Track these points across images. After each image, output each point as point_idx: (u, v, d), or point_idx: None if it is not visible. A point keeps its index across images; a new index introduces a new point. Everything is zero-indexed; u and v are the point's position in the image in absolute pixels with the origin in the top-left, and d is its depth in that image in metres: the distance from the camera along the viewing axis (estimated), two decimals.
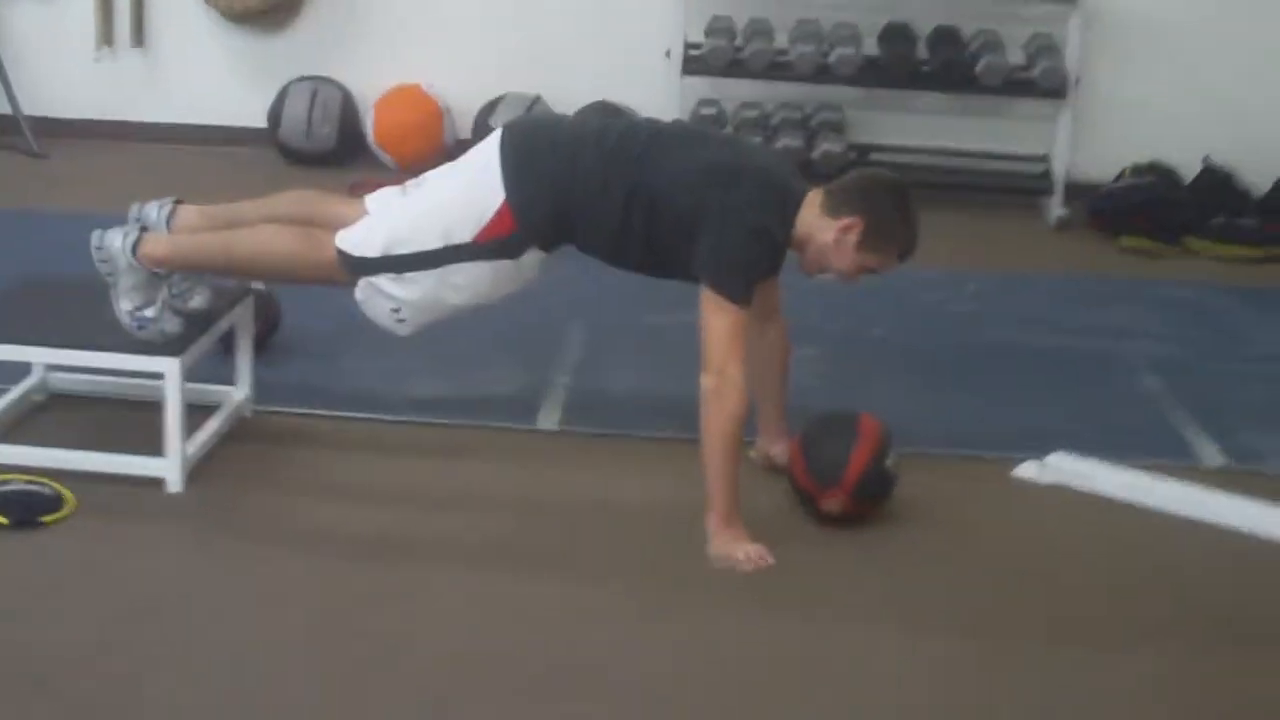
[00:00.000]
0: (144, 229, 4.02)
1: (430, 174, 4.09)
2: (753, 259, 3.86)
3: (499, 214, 3.87)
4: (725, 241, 3.81)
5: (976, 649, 3.42)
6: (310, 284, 4.12)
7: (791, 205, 3.90)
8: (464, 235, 3.89)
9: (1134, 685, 3.32)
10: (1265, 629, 3.60)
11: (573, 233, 3.98)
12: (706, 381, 3.80)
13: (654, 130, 4.07)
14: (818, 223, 3.88)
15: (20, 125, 7.38)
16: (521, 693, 3.17)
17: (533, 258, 3.97)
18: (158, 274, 3.95)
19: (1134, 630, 3.55)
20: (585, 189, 3.90)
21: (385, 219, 3.99)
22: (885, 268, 3.96)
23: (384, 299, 3.97)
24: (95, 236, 3.98)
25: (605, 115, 4.11)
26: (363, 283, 3.96)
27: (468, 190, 3.95)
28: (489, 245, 3.90)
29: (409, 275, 3.92)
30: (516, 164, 3.91)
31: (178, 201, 4.16)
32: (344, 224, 4.01)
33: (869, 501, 3.93)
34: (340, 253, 3.96)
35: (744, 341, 3.85)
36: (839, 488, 3.87)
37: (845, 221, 3.85)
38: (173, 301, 4.00)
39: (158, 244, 3.98)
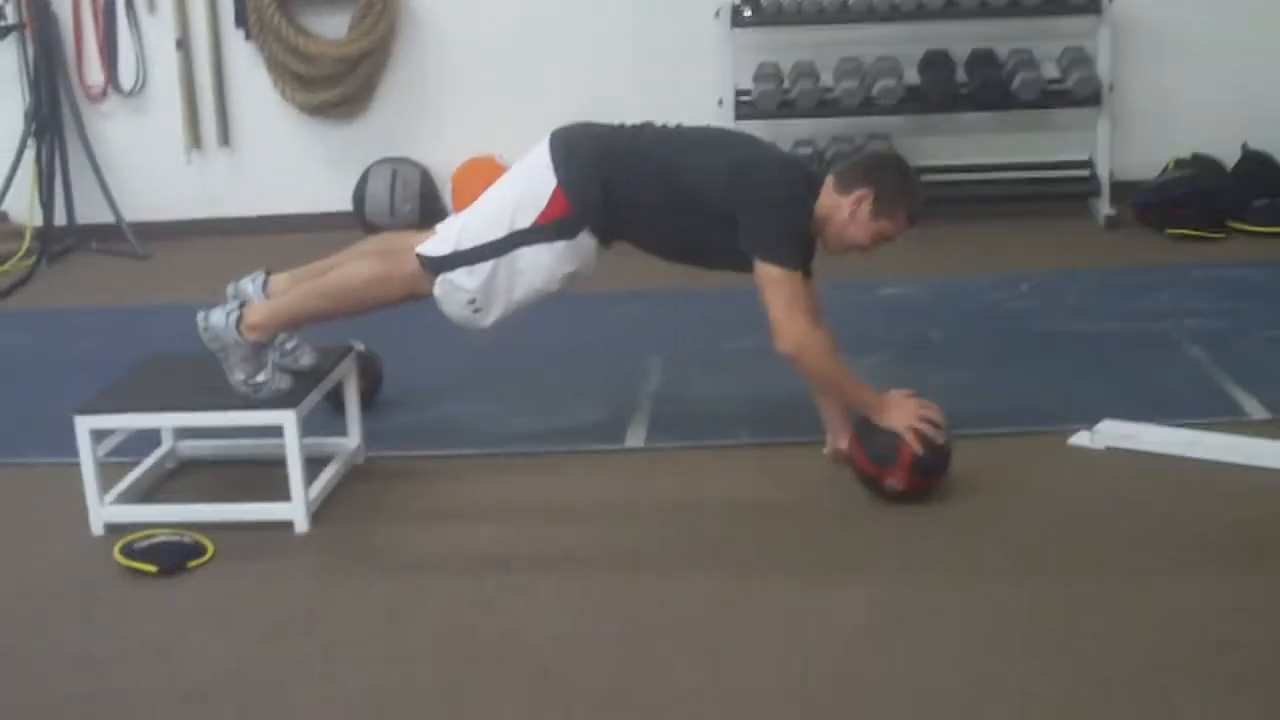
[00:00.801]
0: (243, 304, 4.39)
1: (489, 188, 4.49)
2: (796, 225, 4.29)
3: (554, 197, 4.28)
4: (767, 217, 4.25)
5: (1030, 589, 3.72)
6: (400, 302, 4.46)
7: (813, 188, 4.33)
8: (525, 221, 4.29)
9: (1180, 607, 3.59)
10: None
11: (619, 216, 4.36)
12: (783, 348, 4.24)
13: (687, 131, 4.52)
14: (832, 201, 4.30)
15: (123, 230, 7.82)
16: (627, 663, 3.49)
17: (587, 240, 4.35)
18: (261, 344, 4.32)
19: (1183, 560, 3.82)
20: (628, 174, 4.33)
21: (455, 223, 4.40)
22: (898, 231, 4.36)
23: (459, 292, 4.33)
24: (200, 318, 4.35)
25: (645, 123, 4.54)
26: (440, 279, 4.33)
27: (525, 185, 4.35)
28: (548, 227, 4.29)
29: (479, 266, 4.30)
30: (565, 153, 4.33)
31: (268, 272, 4.54)
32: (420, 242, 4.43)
33: (928, 475, 4.22)
34: (419, 257, 4.35)
35: (803, 299, 4.27)
36: (897, 466, 4.18)
37: (857, 194, 4.27)
38: (282, 362, 4.36)
39: (257, 313, 4.35)
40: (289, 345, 4.40)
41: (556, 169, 4.31)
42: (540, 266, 4.34)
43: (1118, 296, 6.15)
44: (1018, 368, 5.34)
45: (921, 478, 4.22)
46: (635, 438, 4.84)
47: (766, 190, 4.28)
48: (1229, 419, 4.69)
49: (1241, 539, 3.93)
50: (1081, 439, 4.58)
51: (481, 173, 7.59)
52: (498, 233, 4.31)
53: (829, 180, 4.36)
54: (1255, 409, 4.76)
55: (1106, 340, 5.55)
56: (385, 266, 4.43)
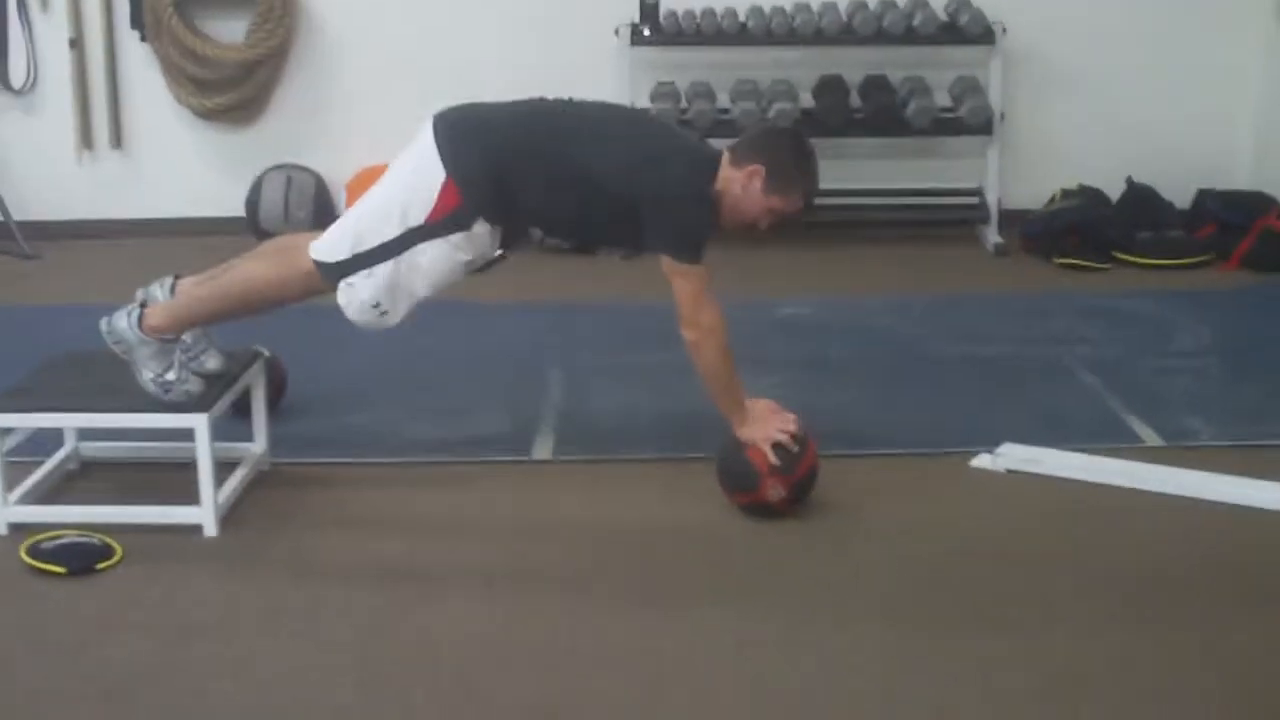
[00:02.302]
0: (144, 305, 4.38)
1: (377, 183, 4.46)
2: (700, 222, 4.31)
3: (444, 190, 4.25)
4: (671, 214, 4.27)
5: (917, 629, 3.74)
6: (300, 299, 4.44)
7: (711, 170, 4.33)
8: (418, 217, 4.26)
9: (1073, 644, 3.63)
10: (1206, 580, 3.95)
11: (514, 203, 4.35)
12: (688, 334, 4.31)
13: (584, 113, 4.49)
14: (728, 175, 4.31)
15: (11, 229, 7.68)
16: (545, 676, 3.51)
17: (482, 229, 4.32)
18: (167, 340, 4.30)
19: (1081, 593, 3.88)
20: (520, 159, 4.31)
21: (348, 223, 4.36)
22: (792, 209, 4.39)
23: (362, 297, 4.30)
24: (103, 322, 4.35)
25: (535, 100, 4.54)
26: (342, 286, 4.31)
27: (413, 177, 4.31)
28: (442, 222, 4.27)
29: (378, 269, 4.27)
30: (451, 141, 4.30)
31: (177, 277, 4.52)
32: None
33: (794, 470, 4.26)
34: (316, 263, 4.32)
35: (709, 287, 4.29)
36: (764, 477, 4.24)
37: (749, 168, 4.29)
38: (189, 365, 4.35)
39: (158, 312, 4.35)
40: (196, 348, 4.39)
41: (444, 159, 4.27)
42: (439, 260, 4.32)
43: (1010, 322, 6.26)
44: (916, 389, 5.42)
45: (791, 474, 4.26)
46: (542, 449, 4.87)
47: (670, 187, 4.28)
48: (1125, 444, 4.81)
49: (1145, 573, 4.00)
50: (983, 461, 4.66)
51: (374, 181, 7.53)
52: (392, 231, 4.27)
53: (725, 154, 4.37)
54: (1150, 436, 4.88)
55: (1002, 365, 5.65)
56: (282, 266, 4.41)
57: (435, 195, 4.25)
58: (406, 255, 4.28)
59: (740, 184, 4.31)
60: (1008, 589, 3.90)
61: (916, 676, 3.47)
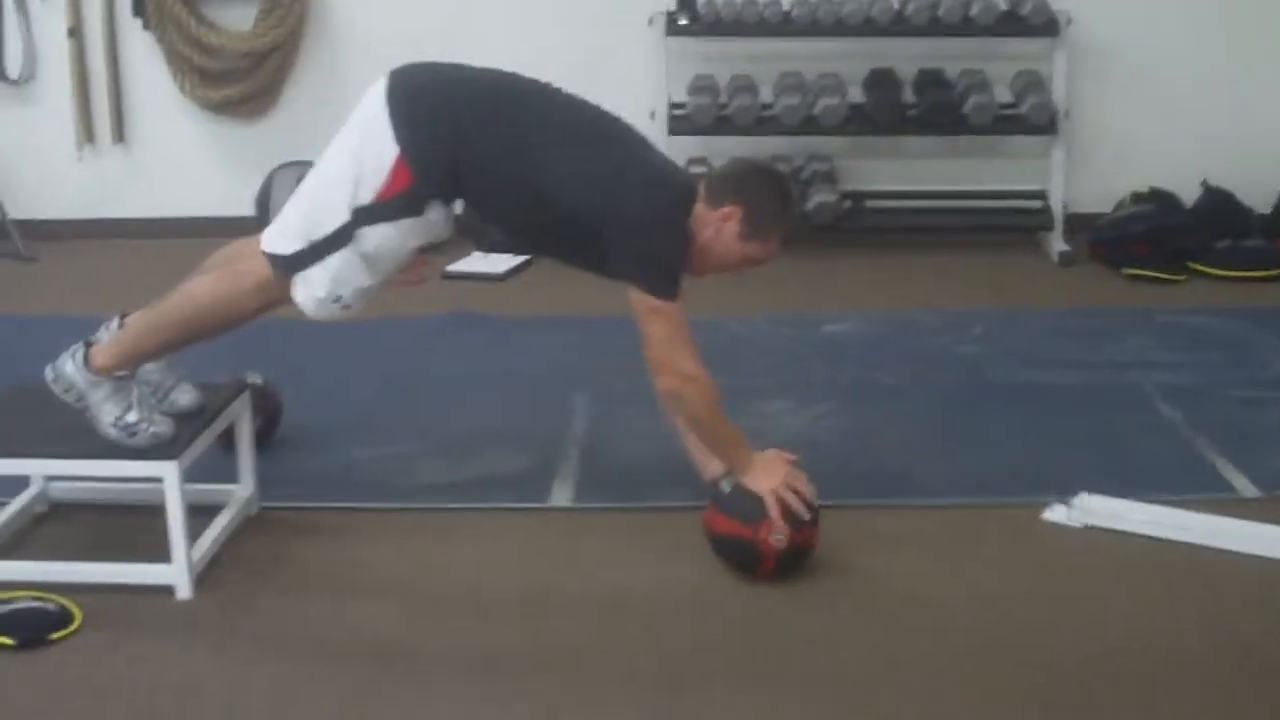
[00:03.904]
0: (89, 343, 3.92)
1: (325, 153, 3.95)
2: (672, 252, 3.84)
3: (396, 168, 3.74)
4: (640, 244, 3.80)
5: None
6: (255, 315, 3.94)
7: (686, 201, 3.88)
8: (367, 196, 3.76)
9: None
10: None
11: (469, 196, 3.92)
12: (664, 383, 3.87)
13: (552, 110, 3.97)
14: (699, 214, 3.86)
15: (7, 229, 7.32)
16: None
17: (437, 213, 3.87)
18: (121, 378, 3.85)
19: (1177, 682, 3.39)
20: (477, 157, 3.82)
21: (298, 205, 3.87)
22: (768, 255, 3.95)
23: (319, 292, 3.81)
24: (48, 372, 3.92)
25: (507, 74, 4.01)
26: (297, 280, 3.81)
27: (361, 147, 3.80)
28: (391, 203, 3.77)
29: (330, 259, 3.78)
30: (407, 113, 3.79)
31: (123, 314, 4.03)
32: None
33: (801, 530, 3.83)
34: (269, 256, 3.83)
35: (686, 328, 3.85)
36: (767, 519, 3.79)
37: (724, 210, 3.84)
38: (160, 406, 3.92)
39: (104, 350, 3.89)
40: (164, 385, 3.97)
41: (397, 130, 3.75)
42: (389, 246, 3.84)
43: (1078, 342, 5.75)
44: (977, 423, 4.92)
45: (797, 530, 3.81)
46: (562, 494, 4.38)
47: (642, 216, 3.81)
48: (1217, 494, 4.30)
49: (1239, 644, 3.52)
50: (1057, 514, 4.16)
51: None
52: (342, 215, 3.76)
53: (700, 189, 3.91)
54: (1244, 486, 4.36)
55: (1072, 394, 5.15)
56: (229, 279, 3.89)
57: (387, 173, 3.75)
58: (354, 242, 3.79)
59: (714, 226, 3.86)
60: (1092, 685, 3.37)
61: None
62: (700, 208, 3.87)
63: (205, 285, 3.92)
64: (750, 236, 3.86)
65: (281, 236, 3.83)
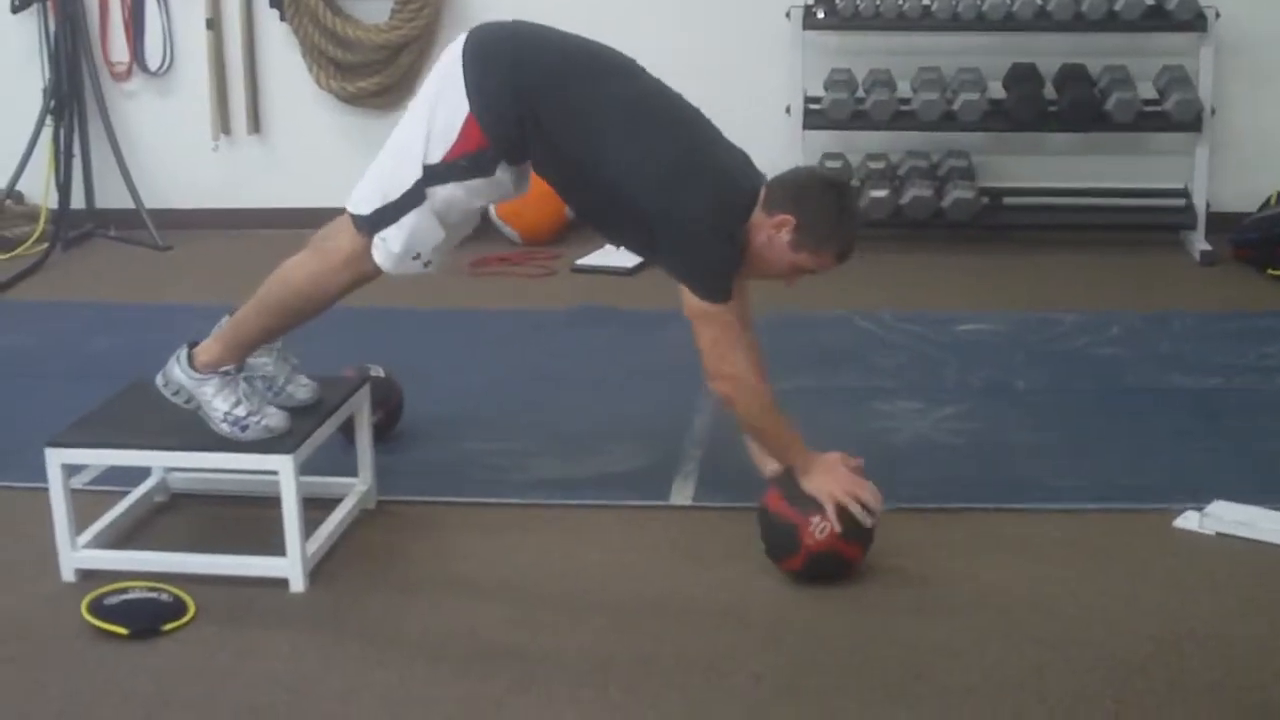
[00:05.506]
0: (192, 344, 3.93)
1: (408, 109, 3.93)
2: (724, 258, 3.79)
3: (466, 127, 3.69)
4: (692, 247, 3.76)
5: None
6: (349, 290, 3.93)
7: (745, 206, 3.81)
8: (437, 154, 3.71)
9: None
10: None
11: (537, 160, 3.85)
12: (718, 387, 3.87)
13: (631, 96, 3.86)
14: (756, 219, 3.79)
15: (143, 218, 7.38)
16: None
17: (506, 173, 3.80)
18: (226, 373, 3.85)
19: None
20: (546, 124, 3.75)
21: (380, 165, 3.84)
22: (821, 268, 3.86)
23: (396, 250, 3.78)
24: (159, 378, 3.94)
25: (593, 44, 3.95)
26: (375, 240, 3.79)
27: (434, 105, 3.76)
28: (460, 162, 3.72)
29: (404, 219, 3.75)
30: (481, 72, 3.73)
31: (231, 313, 4.03)
32: None
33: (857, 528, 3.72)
34: (353, 218, 3.82)
35: (735, 331, 3.85)
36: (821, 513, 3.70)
37: (778, 218, 3.76)
38: (275, 400, 3.92)
39: (208, 347, 3.90)
40: (279, 378, 3.98)
41: (469, 90, 3.70)
42: (459, 205, 3.82)
43: (1221, 345, 5.56)
44: (1113, 428, 4.76)
45: (850, 529, 3.71)
46: (682, 493, 4.30)
47: (696, 223, 3.74)
48: None
49: None
50: (1189, 522, 4.02)
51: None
52: (414, 173, 3.72)
53: (763, 191, 3.83)
54: None
55: (1213, 399, 4.99)
56: (319, 259, 3.90)
57: (457, 131, 3.70)
58: (426, 202, 3.75)
59: (766, 233, 3.78)
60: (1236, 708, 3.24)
61: None
62: (758, 212, 3.79)
63: (296, 266, 3.92)
64: (801, 247, 3.78)
65: (362, 198, 3.82)
